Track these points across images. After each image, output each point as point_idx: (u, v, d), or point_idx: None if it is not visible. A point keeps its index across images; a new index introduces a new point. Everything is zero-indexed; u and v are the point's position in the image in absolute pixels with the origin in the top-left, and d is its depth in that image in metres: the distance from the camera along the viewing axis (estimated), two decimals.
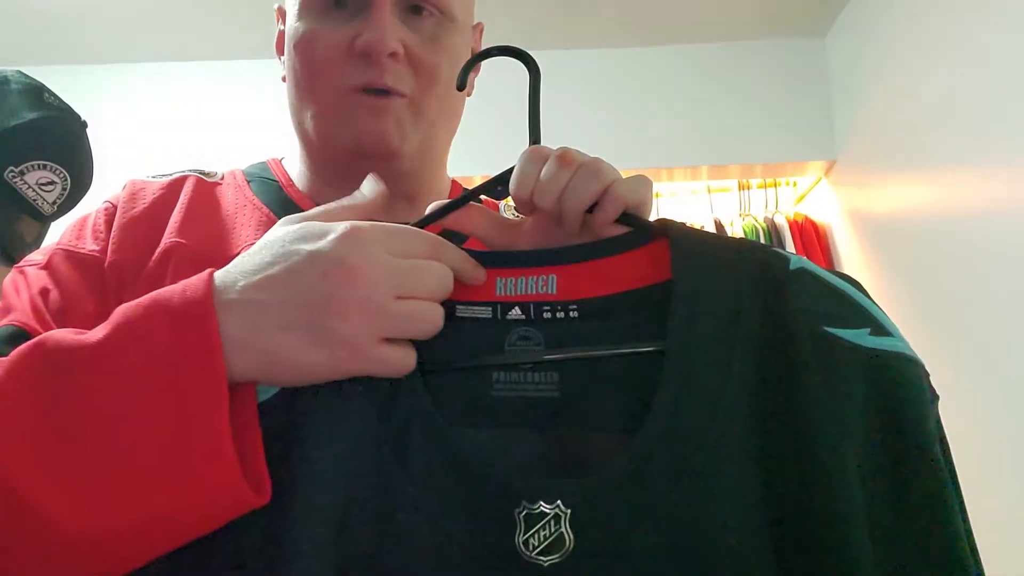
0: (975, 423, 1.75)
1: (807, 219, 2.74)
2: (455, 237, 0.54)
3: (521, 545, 0.40)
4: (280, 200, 0.71)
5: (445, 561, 0.41)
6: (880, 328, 0.44)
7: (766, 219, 2.74)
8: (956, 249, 1.90)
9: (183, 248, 0.65)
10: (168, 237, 0.65)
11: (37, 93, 1.07)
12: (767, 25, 2.66)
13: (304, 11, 0.67)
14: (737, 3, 2.53)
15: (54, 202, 1.10)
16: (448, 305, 0.48)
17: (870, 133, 2.40)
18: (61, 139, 1.10)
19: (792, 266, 0.46)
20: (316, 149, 0.71)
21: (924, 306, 2.04)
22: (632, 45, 2.75)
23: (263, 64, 2.77)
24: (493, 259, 0.50)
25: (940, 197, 1.98)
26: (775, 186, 2.85)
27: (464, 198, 0.52)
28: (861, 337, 0.44)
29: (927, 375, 0.44)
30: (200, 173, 0.74)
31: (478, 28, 0.78)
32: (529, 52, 0.52)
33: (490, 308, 0.49)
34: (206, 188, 0.72)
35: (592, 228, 0.51)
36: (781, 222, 2.70)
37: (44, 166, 1.06)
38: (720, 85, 2.72)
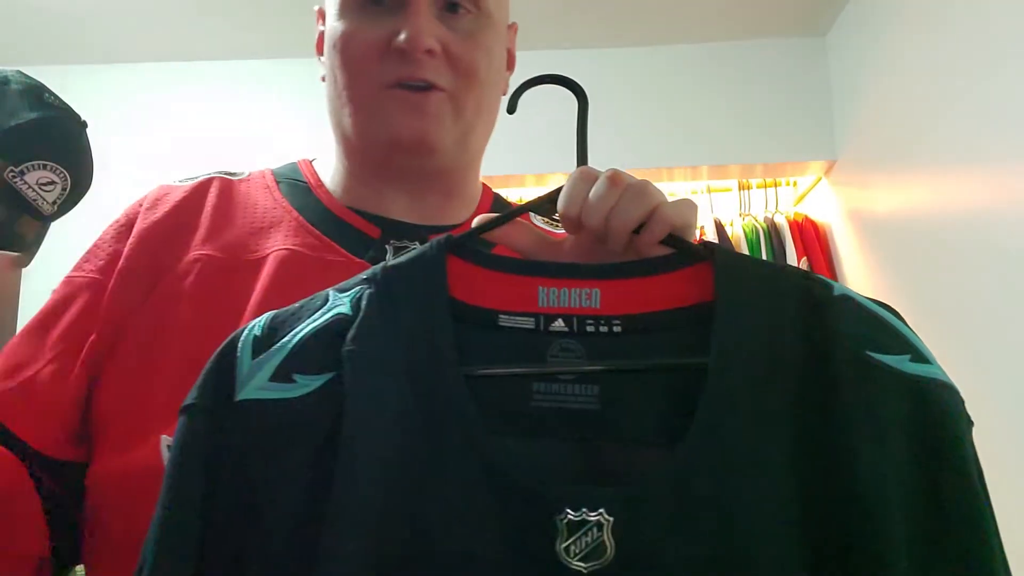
0: (975, 422, 1.75)
1: (807, 219, 2.74)
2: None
3: (562, 551, 0.41)
4: (310, 203, 0.72)
5: (484, 565, 0.41)
6: (919, 355, 0.46)
7: (766, 219, 2.73)
8: (956, 249, 1.90)
9: (205, 260, 0.65)
10: (193, 250, 0.66)
11: (37, 93, 1.07)
12: (767, 25, 2.66)
13: (343, 10, 0.68)
14: (737, 3, 2.53)
15: (54, 202, 1.10)
16: (491, 314, 0.49)
17: (870, 133, 2.40)
18: (61, 139, 1.10)
19: (835, 292, 0.47)
20: (354, 147, 0.71)
21: (924, 306, 2.04)
22: (631, 45, 2.75)
23: (263, 64, 2.77)
24: (538, 269, 0.50)
25: (940, 197, 1.98)
26: (775, 186, 2.85)
27: (512, 214, 0.53)
28: (902, 363, 0.45)
29: (963, 401, 0.46)
30: (226, 174, 0.75)
31: (513, 28, 0.78)
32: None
33: (533, 319, 0.49)
34: (231, 188, 0.72)
35: (637, 248, 0.51)
36: (781, 222, 2.69)
37: (44, 166, 1.06)
38: (720, 85, 2.72)
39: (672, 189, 2.89)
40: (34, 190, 1.04)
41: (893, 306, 0.49)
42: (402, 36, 0.64)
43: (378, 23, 0.66)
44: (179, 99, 2.77)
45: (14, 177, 1.02)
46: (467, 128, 0.69)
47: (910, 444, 0.43)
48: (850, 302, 0.47)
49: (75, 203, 1.13)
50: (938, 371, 0.46)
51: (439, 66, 0.66)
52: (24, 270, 1.15)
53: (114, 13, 2.51)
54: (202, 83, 2.78)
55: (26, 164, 1.03)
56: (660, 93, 2.72)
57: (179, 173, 0.78)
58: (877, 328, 0.46)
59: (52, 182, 1.06)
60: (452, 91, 0.67)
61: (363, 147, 0.70)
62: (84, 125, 1.12)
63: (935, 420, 0.44)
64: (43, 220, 1.10)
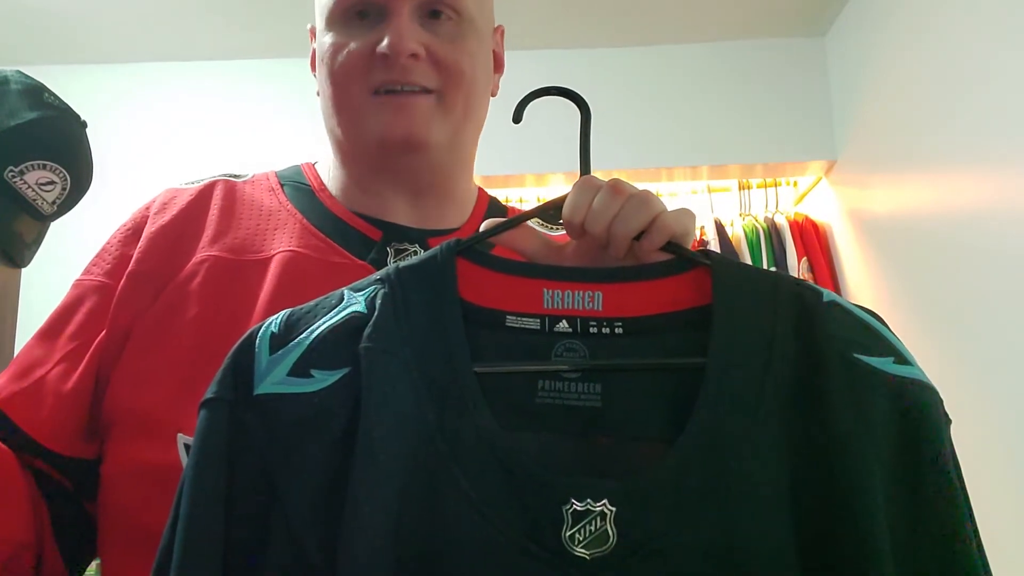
0: (974, 423, 1.75)
1: (807, 219, 2.74)
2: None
3: (567, 539, 0.43)
4: (313, 206, 0.74)
5: (493, 551, 0.43)
6: (902, 358, 0.49)
7: (766, 219, 2.73)
8: (956, 249, 1.90)
9: (212, 260, 0.67)
10: (200, 252, 0.68)
11: (37, 93, 1.07)
12: (767, 25, 2.66)
13: (330, 25, 0.71)
14: (737, 3, 2.53)
15: (53, 202, 1.10)
16: (499, 315, 0.51)
17: (870, 133, 2.40)
18: (61, 139, 1.10)
19: (824, 298, 0.50)
20: (348, 153, 0.74)
21: (924, 306, 2.04)
22: (631, 45, 2.75)
23: (263, 64, 2.77)
24: (543, 271, 0.52)
25: (940, 197, 1.98)
26: (775, 186, 2.85)
27: (518, 219, 0.56)
28: (886, 365, 0.48)
29: (942, 401, 0.48)
30: (230, 176, 0.77)
31: (499, 31, 0.80)
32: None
33: (538, 320, 0.51)
34: (235, 190, 0.74)
35: (637, 254, 0.53)
36: (781, 222, 2.69)
37: (44, 166, 1.06)
38: (720, 85, 2.72)
39: (672, 189, 2.90)
40: (34, 190, 1.04)
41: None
42: (385, 42, 0.66)
43: (363, 34, 0.68)
44: (179, 99, 2.77)
45: (14, 177, 1.02)
46: (457, 127, 0.71)
47: (892, 438, 0.46)
48: (838, 308, 0.50)
49: (75, 203, 1.13)
50: (919, 372, 0.48)
51: (425, 69, 0.68)
52: (24, 270, 1.15)
53: (114, 13, 2.51)
54: (202, 83, 2.78)
55: (26, 164, 1.03)
56: (660, 93, 2.72)
57: (178, 174, 0.79)
58: (863, 332, 0.49)
59: (52, 182, 1.06)
60: (439, 91, 0.69)
61: (356, 152, 0.73)
62: (84, 125, 1.12)
63: (915, 417, 0.46)
64: (42, 220, 1.10)
